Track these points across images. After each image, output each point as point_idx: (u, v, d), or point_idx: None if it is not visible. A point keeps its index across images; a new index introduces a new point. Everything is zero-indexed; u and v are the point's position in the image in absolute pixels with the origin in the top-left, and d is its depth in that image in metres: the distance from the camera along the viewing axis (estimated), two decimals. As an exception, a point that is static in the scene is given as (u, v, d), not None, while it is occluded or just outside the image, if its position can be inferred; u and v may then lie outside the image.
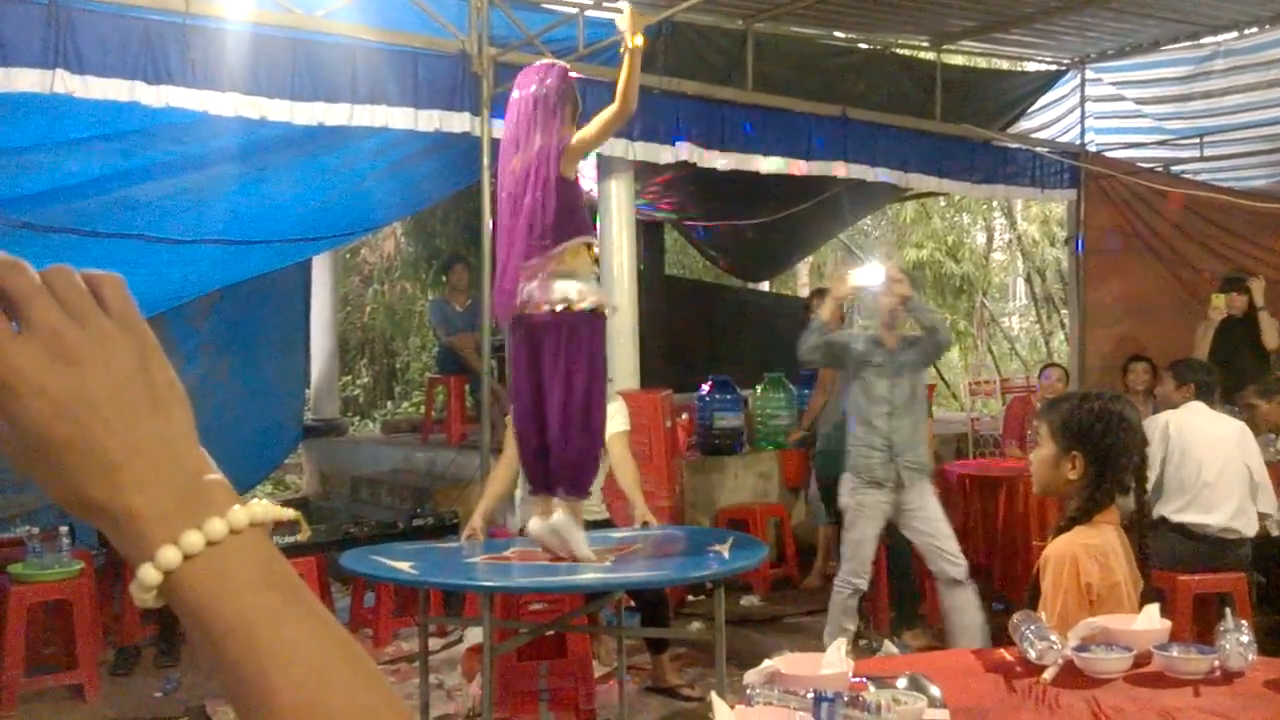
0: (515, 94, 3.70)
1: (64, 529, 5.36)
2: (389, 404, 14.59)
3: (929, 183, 8.61)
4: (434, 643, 5.62)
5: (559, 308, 3.57)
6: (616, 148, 6.68)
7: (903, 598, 6.30)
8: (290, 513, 0.68)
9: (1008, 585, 6.08)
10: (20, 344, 0.59)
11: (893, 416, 5.15)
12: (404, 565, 3.77)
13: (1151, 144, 9.46)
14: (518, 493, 4.80)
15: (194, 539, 0.60)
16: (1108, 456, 2.69)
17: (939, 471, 6.65)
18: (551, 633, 4.75)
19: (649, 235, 9.95)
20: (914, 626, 6.22)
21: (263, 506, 0.64)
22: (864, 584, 5.17)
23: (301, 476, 10.14)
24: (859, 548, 5.17)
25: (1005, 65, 9.68)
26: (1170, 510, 5.02)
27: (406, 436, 9.37)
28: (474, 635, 5.37)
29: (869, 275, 5.30)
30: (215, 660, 0.61)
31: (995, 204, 16.73)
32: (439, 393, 8.88)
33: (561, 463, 3.72)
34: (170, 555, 0.60)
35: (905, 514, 5.18)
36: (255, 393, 8.18)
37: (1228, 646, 2.31)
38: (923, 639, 6.15)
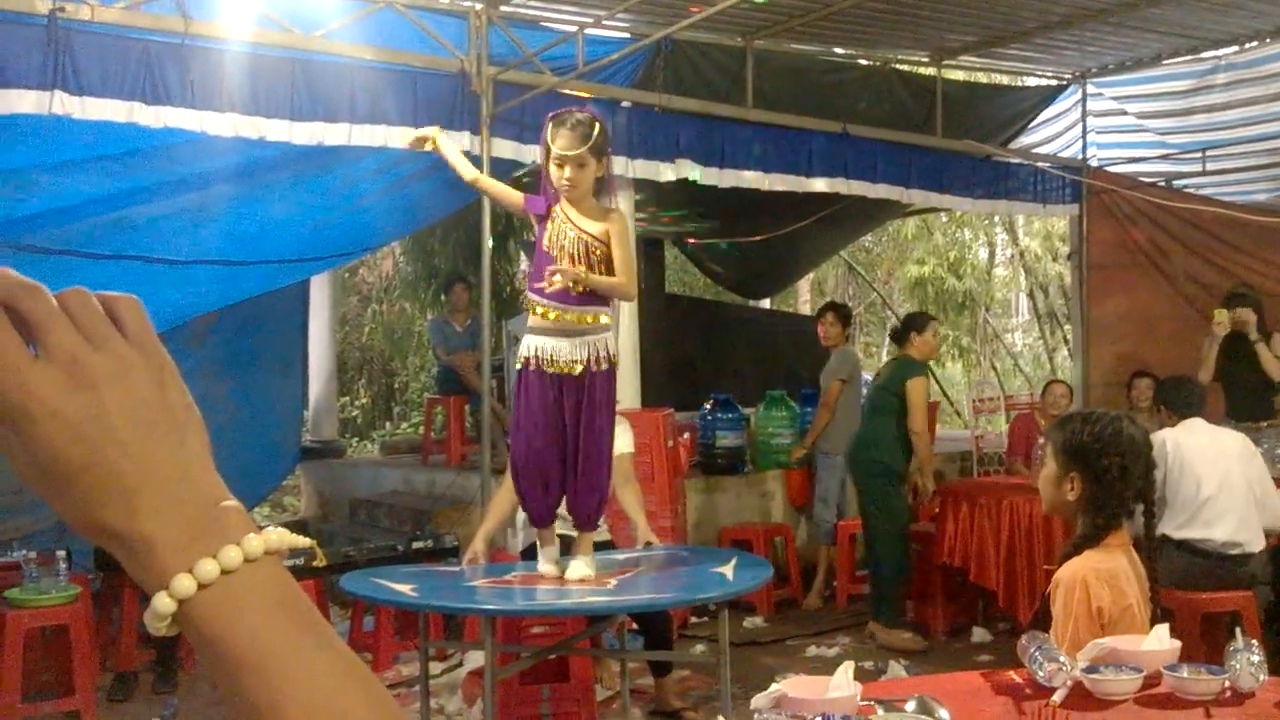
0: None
1: (61, 553, 5.31)
2: (388, 425, 14.58)
3: (930, 198, 8.59)
4: (434, 667, 5.57)
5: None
6: (617, 165, 6.66)
7: (880, 590, 6.41)
8: (305, 540, 0.68)
9: (1013, 604, 6.04)
10: (38, 368, 0.59)
11: None
12: (405, 588, 3.74)
13: (1153, 158, 9.45)
14: (519, 515, 4.77)
15: (209, 567, 0.60)
16: (1103, 479, 2.68)
17: (943, 489, 6.64)
18: (553, 656, 4.71)
19: (650, 253, 9.93)
20: (883, 620, 6.32)
21: (278, 534, 0.63)
22: None
23: (299, 498, 10.11)
24: None
25: (1006, 80, 9.69)
26: (1172, 528, 4.96)
27: (406, 458, 9.35)
28: (475, 659, 5.33)
29: None
30: (228, 688, 0.61)
31: (997, 219, 16.73)
32: (438, 413, 8.85)
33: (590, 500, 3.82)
34: (185, 584, 0.60)
35: None
36: (253, 414, 8.16)
37: (1238, 666, 2.28)
38: (890, 637, 6.25)
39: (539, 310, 3.61)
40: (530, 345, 3.64)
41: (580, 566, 3.77)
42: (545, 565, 3.87)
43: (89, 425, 0.59)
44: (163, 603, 0.60)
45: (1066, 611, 2.55)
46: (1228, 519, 4.92)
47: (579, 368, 3.61)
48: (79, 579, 5.41)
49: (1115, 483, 2.68)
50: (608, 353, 3.67)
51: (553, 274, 3.53)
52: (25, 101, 5.06)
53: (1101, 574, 2.57)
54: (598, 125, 3.59)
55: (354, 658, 0.64)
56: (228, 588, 0.60)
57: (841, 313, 7.64)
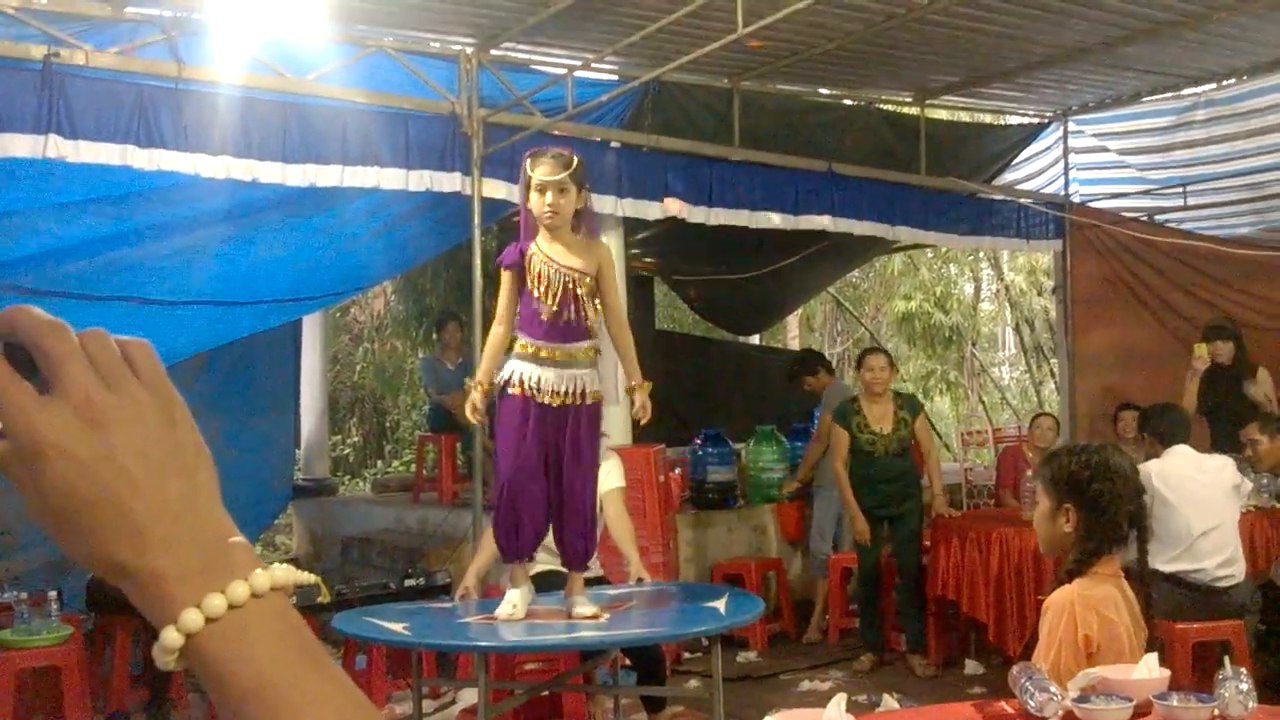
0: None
1: (52, 594, 5.29)
2: (380, 463, 14.55)
3: (916, 235, 8.68)
4: (428, 705, 5.56)
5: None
6: (606, 204, 6.74)
7: (908, 621, 6.52)
8: (310, 577, 0.69)
9: (1003, 637, 6.05)
10: (50, 408, 0.60)
11: None
12: (397, 626, 3.74)
13: (1135, 193, 9.55)
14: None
15: (216, 602, 0.61)
16: (1097, 505, 2.70)
17: (933, 522, 6.66)
18: (547, 693, 4.70)
19: (639, 289, 9.99)
20: (874, 649, 6.45)
21: (284, 570, 0.65)
22: None
23: (292, 537, 10.08)
24: None
25: (988, 119, 9.81)
26: (1161, 561, 4.94)
27: (398, 496, 9.33)
28: (468, 696, 5.32)
29: None
30: None
31: (982, 255, 16.84)
32: (430, 451, 8.85)
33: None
34: (193, 618, 0.61)
35: None
36: (246, 453, 8.14)
37: (1227, 694, 2.30)
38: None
39: (530, 349, 3.62)
40: (514, 371, 3.60)
41: (585, 603, 3.72)
42: (505, 607, 3.70)
43: (99, 463, 0.60)
44: (171, 636, 0.61)
45: (1051, 636, 2.57)
46: (1220, 552, 4.95)
47: (564, 400, 3.60)
48: (71, 619, 5.38)
49: (1109, 508, 2.70)
50: (594, 388, 3.66)
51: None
52: (20, 145, 5.10)
53: (1090, 601, 2.60)
54: (576, 157, 3.64)
55: (357, 691, 0.65)
56: (235, 622, 0.61)
57: (809, 364, 7.83)
